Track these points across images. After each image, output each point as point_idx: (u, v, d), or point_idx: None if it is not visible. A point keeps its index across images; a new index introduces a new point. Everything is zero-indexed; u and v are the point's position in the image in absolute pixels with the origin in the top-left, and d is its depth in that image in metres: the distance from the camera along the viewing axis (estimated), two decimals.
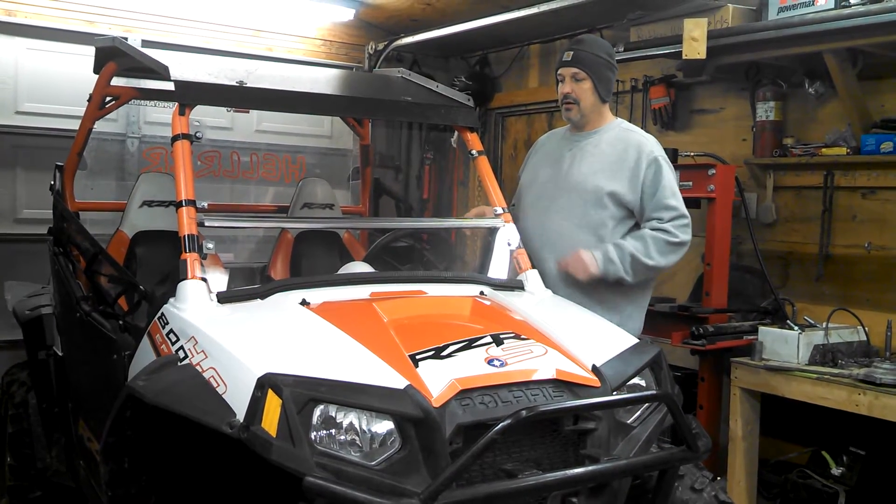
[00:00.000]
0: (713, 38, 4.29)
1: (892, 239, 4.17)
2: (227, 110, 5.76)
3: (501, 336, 2.55)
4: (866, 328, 3.95)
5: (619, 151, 3.46)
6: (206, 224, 2.77)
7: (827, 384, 3.59)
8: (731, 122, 4.97)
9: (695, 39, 4.27)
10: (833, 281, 4.39)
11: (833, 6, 3.90)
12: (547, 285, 3.33)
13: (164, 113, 5.65)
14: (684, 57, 4.34)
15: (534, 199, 3.61)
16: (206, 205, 2.80)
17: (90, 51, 3.86)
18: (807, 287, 4.50)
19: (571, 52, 3.51)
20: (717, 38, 4.30)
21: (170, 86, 2.94)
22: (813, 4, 3.98)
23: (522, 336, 2.59)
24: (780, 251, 4.65)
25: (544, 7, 5.13)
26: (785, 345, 3.82)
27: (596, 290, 3.40)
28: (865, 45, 3.96)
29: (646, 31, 4.80)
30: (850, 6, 3.84)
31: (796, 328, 3.84)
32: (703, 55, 4.29)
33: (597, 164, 3.47)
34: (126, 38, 3.44)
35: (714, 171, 4.27)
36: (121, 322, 2.92)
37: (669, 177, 3.43)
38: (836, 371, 3.67)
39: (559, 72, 3.56)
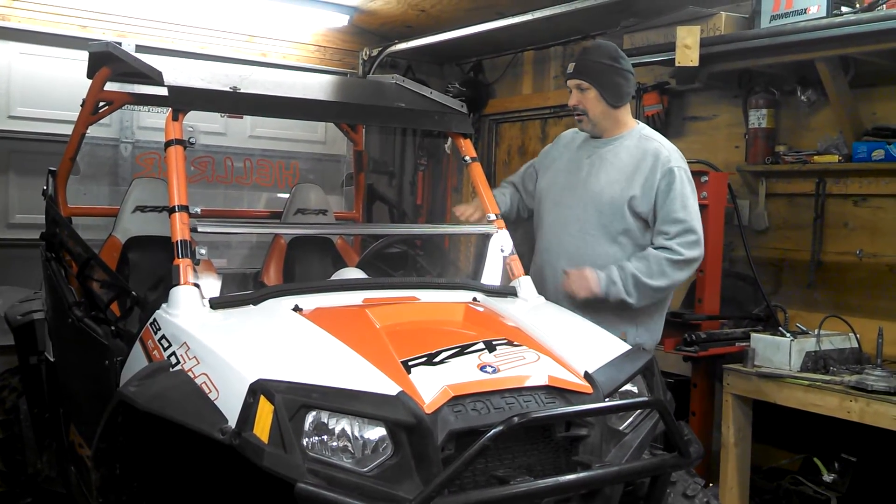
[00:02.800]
0: (706, 45, 4.30)
1: (884, 246, 4.19)
2: (221, 116, 5.74)
3: (494, 342, 2.55)
4: (858, 335, 3.95)
5: (637, 160, 3.41)
6: (199, 230, 2.77)
7: (819, 391, 3.60)
8: (723, 129, 4.99)
9: (688, 47, 4.28)
10: (825, 288, 4.40)
11: (825, 14, 3.91)
12: (561, 297, 3.32)
13: (157, 118, 5.65)
14: (677, 64, 4.35)
15: (551, 206, 3.58)
16: (199, 210, 2.80)
17: (84, 55, 3.85)
18: (799, 294, 4.51)
19: (574, 63, 3.47)
20: (710, 46, 4.32)
21: (163, 91, 2.94)
22: (805, 13, 4.00)
23: (515, 342, 2.59)
24: (772, 258, 4.66)
25: (538, 14, 5.14)
26: (777, 351, 3.83)
27: (605, 304, 3.38)
28: (857, 53, 3.99)
29: (639, 38, 4.81)
30: (841, 14, 3.86)
31: (788, 335, 3.85)
32: (695, 62, 4.30)
33: (614, 174, 3.42)
34: (120, 43, 3.44)
35: (707, 178, 4.27)
36: (113, 328, 2.92)
37: (684, 188, 3.35)
38: (827, 378, 3.68)
39: (567, 83, 3.54)
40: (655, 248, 3.34)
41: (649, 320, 3.50)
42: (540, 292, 3.32)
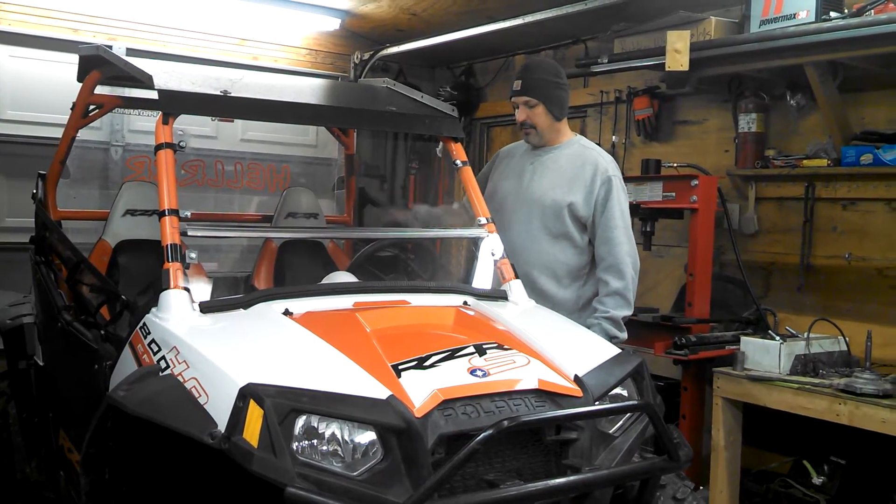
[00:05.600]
0: (696, 50, 4.32)
1: (872, 250, 4.21)
2: (212, 119, 5.74)
3: (484, 346, 2.55)
4: (847, 338, 3.97)
5: (577, 167, 3.56)
6: (189, 233, 2.76)
7: (808, 394, 3.62)
8: (713, 133, 5.01)
9: (678, 51, 4.30)
10: (814, 291, 4.42)
11: (814, 20, 3.94)
12: None
13: (148, 122, 5.63)
14: (667, 69, 4.37)
15: (493, 212, 3.62)
16: (189, 214, 2.79)
17: (74, 59, 3.85)
18: (788, 297, 4.53)
19: (520, 81, 3.61)
20: (700, 51, 4.34)
21: (154, 94, 2.93)
22: (794, 18, 4.02)
23: (505, 346, 2.59)
24: (761, 262, 4.68)
25: (529, 18, 5.16)
26: (766, 355, 3.85)
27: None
28: (846, 58, 4.01)
29: (630, 42, 4.83)
30: (830, 20, 3.89)
31: (778, 338, 3.87)
32: (686, 67, 4.33)
33: (556, 179, 3.58)
34: (110, 47, 3.43)
35: (697, 182, 4.30)
36: (102, 332, 2.91)
37: (620, 197, 3.52)
38: (816, 381, 3.69)
39: (512, 100, 3.65)
40: (597, 314, 3.46)
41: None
42: None
